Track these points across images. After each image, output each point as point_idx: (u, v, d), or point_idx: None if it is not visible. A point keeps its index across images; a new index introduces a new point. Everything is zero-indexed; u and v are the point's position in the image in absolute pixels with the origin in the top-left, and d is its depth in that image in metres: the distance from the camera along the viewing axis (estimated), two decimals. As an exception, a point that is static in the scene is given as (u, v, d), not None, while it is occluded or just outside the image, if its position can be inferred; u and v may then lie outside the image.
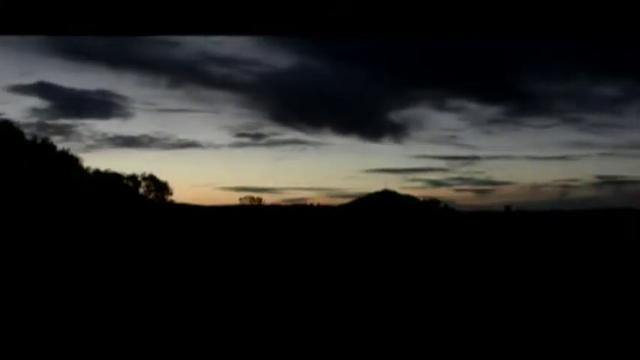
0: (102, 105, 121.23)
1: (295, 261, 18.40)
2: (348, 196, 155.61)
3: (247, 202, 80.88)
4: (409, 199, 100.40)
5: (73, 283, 12.45)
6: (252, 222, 50.91)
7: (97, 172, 49.94)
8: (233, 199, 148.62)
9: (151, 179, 60.98)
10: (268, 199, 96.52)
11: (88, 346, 7.47)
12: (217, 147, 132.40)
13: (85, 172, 45.69)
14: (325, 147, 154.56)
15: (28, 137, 39.48)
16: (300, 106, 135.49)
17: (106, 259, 17.68)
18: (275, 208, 78.20)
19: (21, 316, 9.00)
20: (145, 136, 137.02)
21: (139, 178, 59.92)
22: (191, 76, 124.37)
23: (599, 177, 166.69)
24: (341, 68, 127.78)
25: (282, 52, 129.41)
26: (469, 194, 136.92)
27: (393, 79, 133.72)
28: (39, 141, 40.29)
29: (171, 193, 62.53)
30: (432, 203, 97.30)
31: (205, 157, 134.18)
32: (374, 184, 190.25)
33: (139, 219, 41.41)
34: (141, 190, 60.27)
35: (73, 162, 43.33)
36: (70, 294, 11.15)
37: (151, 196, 60.97)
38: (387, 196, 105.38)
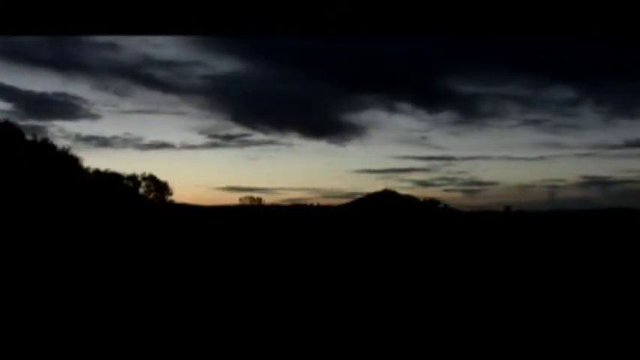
0: (65, 107, 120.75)
1: (301, 260, 18.40)
2: (346, 196, 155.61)
3: (247, 202, 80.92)
4: (409, 199, 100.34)
5: (74, 283, 12.46)
6: (255, 222, 50.93)
7: (97, 172, 49.95)
8: (229, 199, 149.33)
9: (151, 179, 61.01)
10: (266, 199, 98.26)
11: (88, 345, 7.47)
12: (192, 148, 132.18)
13: (85, 172, 45.68)
14: (297, 148, 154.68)
15: (28, 137, 39.49)
16: (256, 108, 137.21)
17: (107, 258, 17.69)
18: (277, 208, 78.27)
19: (21, 316, 9.00)
20: (116, 137, 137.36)
21: (139, 178, 59.96)
22: (138, 79, 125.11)
23: (584, 177, 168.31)
24: (282, 70, 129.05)
25: (221, 55, 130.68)
26: (458, 194, 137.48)
27: (336, 83, 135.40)
28: (39, 141, 40.28)
29: (171, 193, 62.53)
30: (432, 203, 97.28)
31: (183, 158, 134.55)
32: (365, 185, 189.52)
33: (139, 219, 41.42)
34: (141, 190, 60.29)
35: (73, 162, 43.30)
36: (71, 293, 11.15)
37: (151, 196, 60.97)
38: (387, 196, 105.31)
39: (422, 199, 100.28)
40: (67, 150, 43.68)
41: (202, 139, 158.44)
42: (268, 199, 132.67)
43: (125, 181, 57.54)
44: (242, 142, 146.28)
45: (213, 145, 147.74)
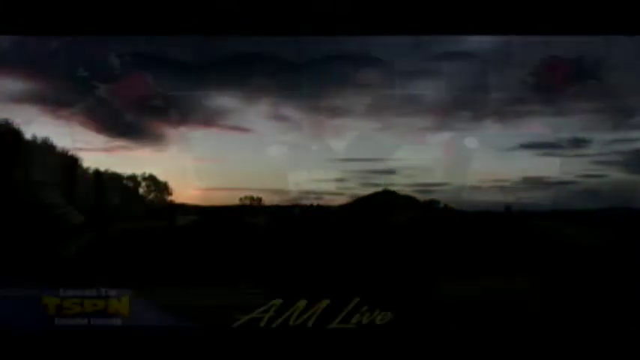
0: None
1: (303, 260, 18.37)
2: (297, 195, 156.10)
3: (247, 202, 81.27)
4: (409, 199, 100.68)
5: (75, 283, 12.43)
6: (258, 221, 50.80)
7: (97, 172, 50.08)
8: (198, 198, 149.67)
9: (151, 179, 61.19)
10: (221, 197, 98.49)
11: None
12: (102, 151, 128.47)
13: (85, 172, 45.78)
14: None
15: (28, 137, 39.57)
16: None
17: (107, 258, 17.65)
18: (277, 208, 78.49)
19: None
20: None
21: (139, 178, 60.15)
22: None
23: (525, 177, 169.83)
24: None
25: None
26: (416, 195, 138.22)
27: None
28: (39, 141, 40.36)
29: (171, 193, 62.67)
30: (432, 203, 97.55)
31: (100, 160, 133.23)
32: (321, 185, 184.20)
33: (140, 219, 41.42)
34: (141, 190, 60.46)
35: (73, 162, 43.38)
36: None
37: (151, 196, 61.11)
38: (387, 196, 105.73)
39: (421, 200, 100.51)
40: (67, 150, 43.78)
41: (96, 144, 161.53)
42: (221, 196, 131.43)
43: (125, 181, 57.72)
44: (124, 147, 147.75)
45: (115, 148, 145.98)
